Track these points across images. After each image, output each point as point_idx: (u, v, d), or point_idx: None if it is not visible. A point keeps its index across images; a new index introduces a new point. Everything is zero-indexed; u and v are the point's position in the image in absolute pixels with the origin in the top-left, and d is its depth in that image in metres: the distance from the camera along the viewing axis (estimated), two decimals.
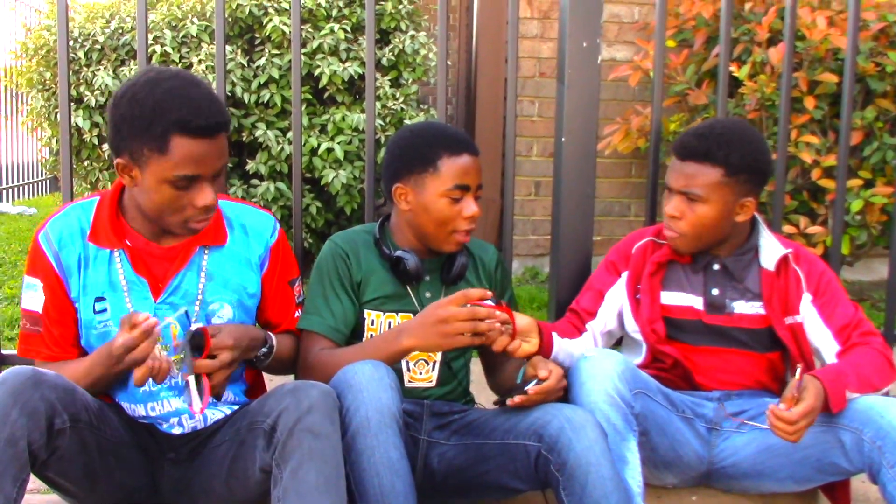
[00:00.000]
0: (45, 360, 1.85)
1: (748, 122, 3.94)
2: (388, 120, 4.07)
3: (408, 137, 2.06)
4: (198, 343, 1.76)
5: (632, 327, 2.18)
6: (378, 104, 4.05)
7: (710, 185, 2.04)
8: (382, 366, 1.77)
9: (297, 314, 2.03)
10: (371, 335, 2.03)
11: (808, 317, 2.09)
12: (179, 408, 1.88)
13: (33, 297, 1.85)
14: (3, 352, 2.42)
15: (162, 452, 1.88)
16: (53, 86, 4.18)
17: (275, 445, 1.62)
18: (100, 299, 1.84)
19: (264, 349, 1.91)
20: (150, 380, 1.70)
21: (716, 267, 2.14)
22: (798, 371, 1.83)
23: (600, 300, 2.21)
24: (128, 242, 1.84)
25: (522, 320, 1.98)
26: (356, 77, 4.01)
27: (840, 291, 2.13)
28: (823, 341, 2.08)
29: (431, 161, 1.98)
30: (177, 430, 1.89)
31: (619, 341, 2.34)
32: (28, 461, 1.53)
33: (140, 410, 1.87)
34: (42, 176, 9.67)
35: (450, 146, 1.99)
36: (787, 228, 3.76)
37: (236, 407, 1.93)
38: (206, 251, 1.90)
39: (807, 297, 2.10)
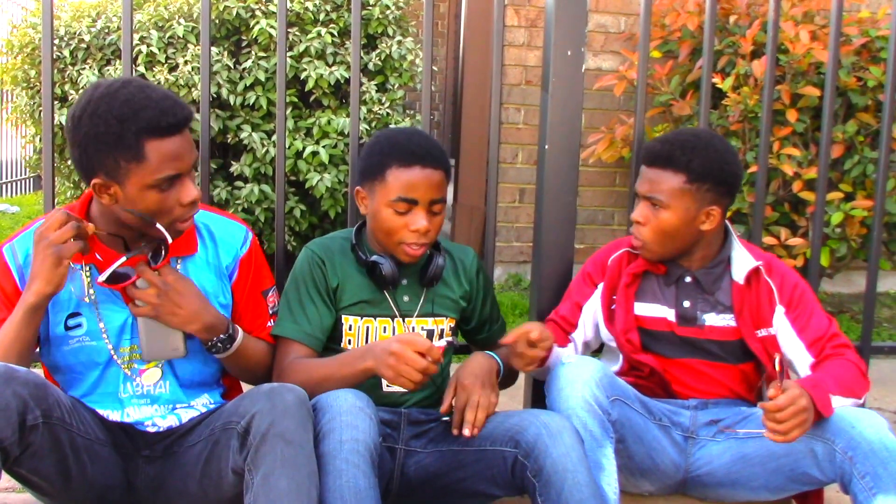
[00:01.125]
0: None
1: (731, 133, 3.98)
2: (373, 125, 4.07)
3: (371, 143, 2.06)
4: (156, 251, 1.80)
5: (606, 336, 2.20)
6: (364, 109, 4.05)
7: (671, 191, 2.06)
8: (365, 396, 1.78)
9: (269, 323, 2.02)
10: (349, 339, 2.04)
11: (782, 329, 2.11)
12: (153, 414, 1.88)
13: None
14: None
15: (137, 450, 1.87)
16: (38, 84, 4.16)
17: (248, 449, 1.62)
18: (73, 315, 1.84)
19: (223, 335, 1.86)
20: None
21: (687, 280, 2.15)
22: (777, 359, 1.84)
23: (578, 312, 2.22)
24: (98, 256, 1.83)
25: (536, 329, 1.91)
26: (342, 81, 4.01)
27: (814, 303, 2.14)
28: (797, 354, 2.09)
29: (381, 170, 1.98)
30: (151, 430, 1.88)
31: (598, 349, 2.36)
32: (0, 458, 1.53)
33: (115, 416, 1.87)
34: (25, 174, 9.62)
35: (400, 158, 1.97)
36: (768, 240, 3.79)
37: (213, 406, 1.93)
38: (178, 261, 1.89)
39: (780, 310, 2.11)
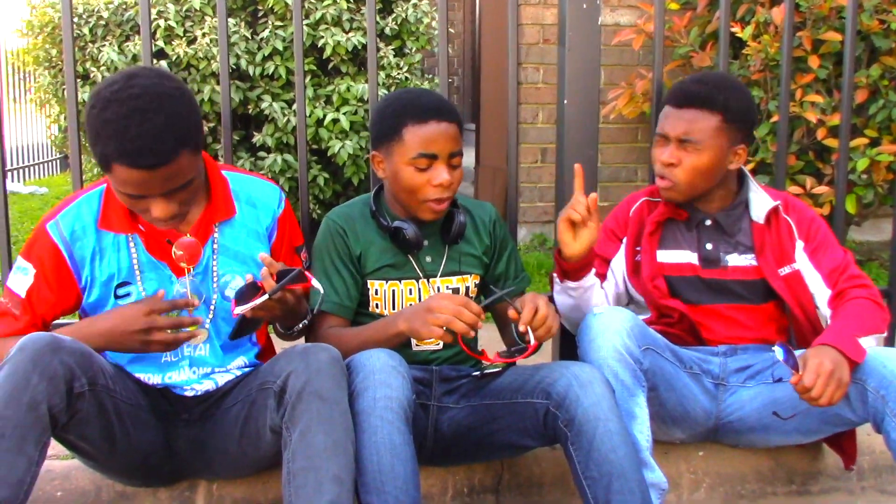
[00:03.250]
0: (7, 337, 1.84)
1: (752, 82, 3.95)
2: (392, 89, 4.08)
3: (380, 107, 2.06)
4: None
5: (631, 289, 2.21)
6: (382, 74, 4.05)
7: (708, 131, 2.06)
8: (397, 356, 1.80)
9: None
10: (376, 304, 2.06)
11: (803, 264, 2.12)
12: (191, 378, 1.92)
13: (22, 280, 1.86)
14: None
15: (176, 413, 1.92)
16: (60, 63, 4.21)
17: (284, 407, 1.66)
18: (122, 285, 1.87)
19: (305, 321, 1.94)
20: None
21: (707, 223, 2.17)
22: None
23: (606, 266, 2.24)
24: (141, 227, 1.86)
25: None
26: (360, 47, 4.01)
27: (830, 237, 2.16)
28: (816, 286, 2.11)
29: (397, 130, 1.97)
30: (189, 393, 1.93)
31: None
32: (49, 424, 1.57)
33: (156, 379, 1.91)
34: (52, 156, 9.73)
35: (415, 115, 1.97)
36: (793, 189, 3.77)
37: (248, 369, 1.97)
38: (217, 226, 1.92)
39: (800, 244, 2.13)
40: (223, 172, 1.96)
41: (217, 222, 1.91)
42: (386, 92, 4.04)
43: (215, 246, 1.92)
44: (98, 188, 1.90)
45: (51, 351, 1.59)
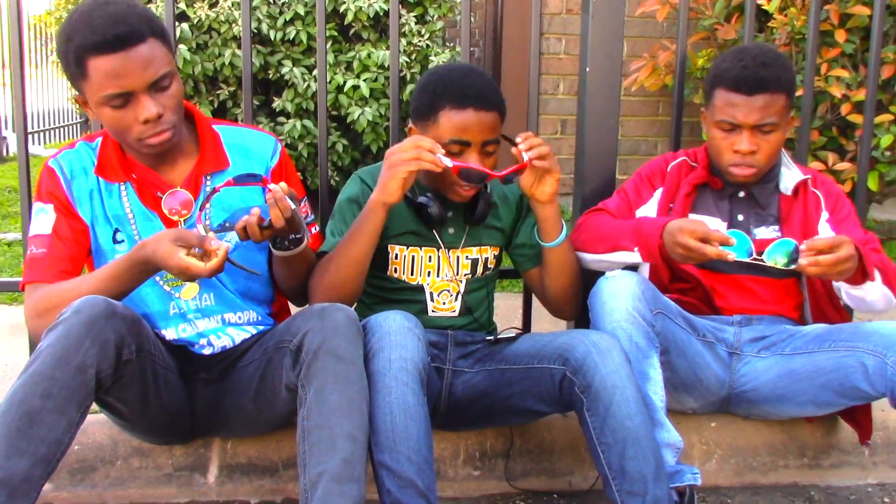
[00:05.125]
0: (50, 282, 1.84)
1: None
2: (413, 57, 4.06)
3: (425, 80, 2.02)
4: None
5: None
6: (403, 41, 4.03)
7: (781, 111, 2.07)
8: (413, 318, 1.81)
9: (313, 230, 2.04)
10: (395, 268, 2.07)
11: (825, 234, 2.11)
12: (206, 329, 1.94)
13: (43, 219, 1.88)
14: None
15: (195, 373, 1.94)
16: None
17: (300, 365, 1.67)
18: (118, 230, 1.90)
19: (297, 235, 1.86)
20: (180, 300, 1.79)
21: (741, 195, 2.16)
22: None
23: (630, 214, 2.20)
24: (134, 175, 1.88)
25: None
26: (381, 13, 3.99)
27: (855, 216, 2.17)
28: None
29: (434, 111, 1.94)
30: (207, 351, 1.94)
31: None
32: (93, 389, 1.60)
33: (171, 333, 1.92)
34: (73, 120, 9.79)
35: (454, 99, 1.92)
36: (815, 165, 3.72)
37: (262, 328, 1.98)
38: (209, 178, 1.92)
39: (824, 216, 2.14)
40: (215, 127, 1.97)
41: (208, 174, 1.92)
42: (407, 60, 4.02)
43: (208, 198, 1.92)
44: (97, 138, 1.93)
45: (105, 317, 1.61)
